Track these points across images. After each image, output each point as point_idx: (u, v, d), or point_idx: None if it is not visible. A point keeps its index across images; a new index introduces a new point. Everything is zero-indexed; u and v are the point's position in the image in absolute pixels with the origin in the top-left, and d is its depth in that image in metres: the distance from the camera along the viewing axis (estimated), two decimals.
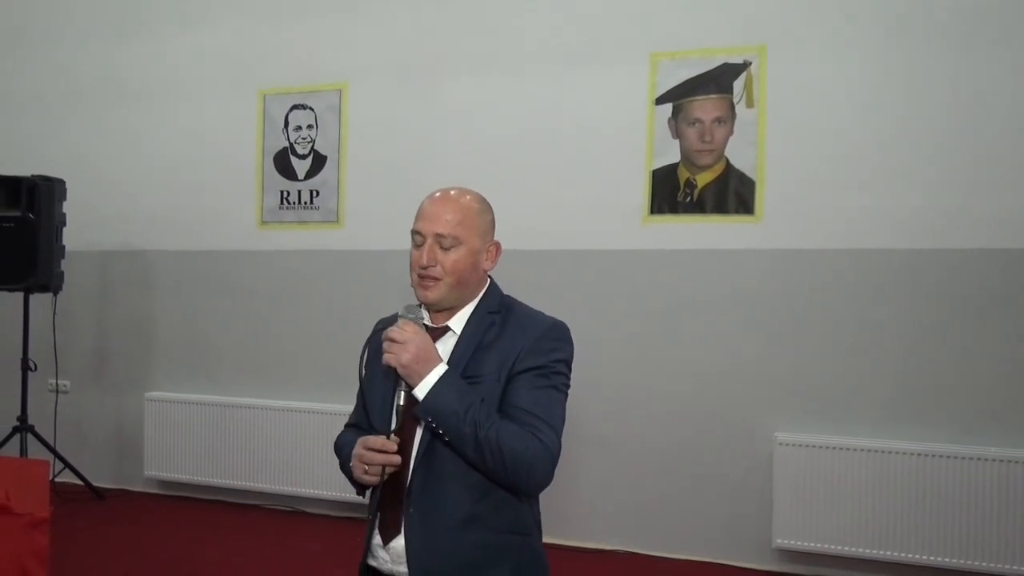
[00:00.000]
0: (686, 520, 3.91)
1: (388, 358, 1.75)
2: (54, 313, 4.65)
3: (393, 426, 1.77)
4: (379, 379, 1.86)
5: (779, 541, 3.68)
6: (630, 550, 3.98)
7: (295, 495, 4.48)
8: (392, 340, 1.75)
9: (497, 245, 1.91)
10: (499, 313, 1.87)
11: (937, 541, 3.45)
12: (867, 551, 3.55)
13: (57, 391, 4.85)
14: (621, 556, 3.96)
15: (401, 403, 1.76)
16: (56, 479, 4.60)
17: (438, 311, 1.87)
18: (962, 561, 3.42)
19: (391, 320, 1.91)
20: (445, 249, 1.81)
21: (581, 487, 4.06)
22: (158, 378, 4.93)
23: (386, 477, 1.77)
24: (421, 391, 1.72)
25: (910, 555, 3.49)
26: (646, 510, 3.97)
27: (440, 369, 1.74)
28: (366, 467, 1.78)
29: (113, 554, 3.87)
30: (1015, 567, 3.36)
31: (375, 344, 1.88)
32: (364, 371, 1.90)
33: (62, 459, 4.67)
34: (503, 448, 1.69)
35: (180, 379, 4.87)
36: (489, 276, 1.93)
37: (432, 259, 1.80)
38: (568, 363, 1.87)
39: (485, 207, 1.91)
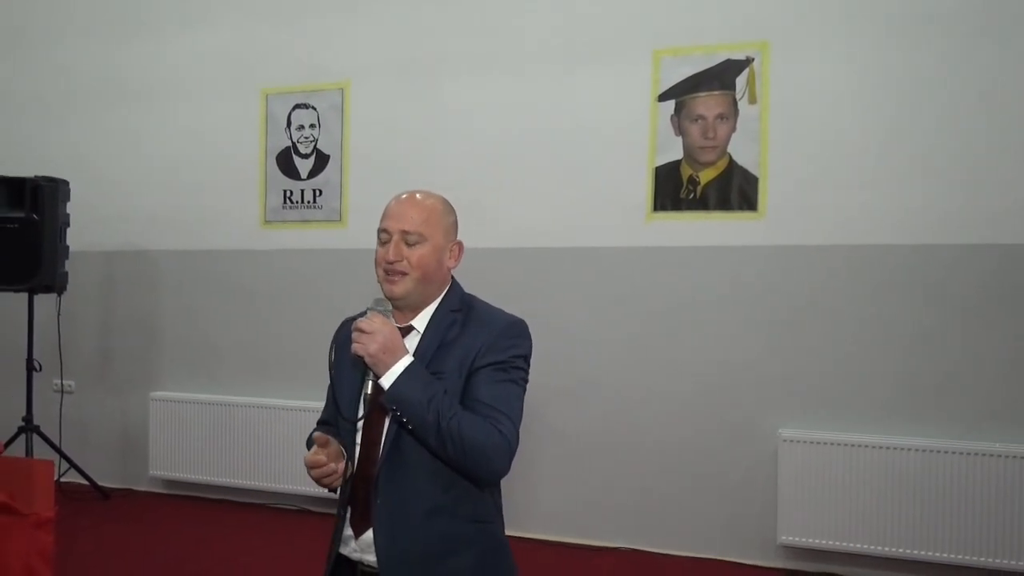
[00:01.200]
0: (691, 517, 3.91)
1: (356, 348, 1.81)
2: (58, 313, 4.65)
3: (360, 414, 1.87)
4: (348, 369, 1.92)
5: (784, 538, 3.68)
6: (635, 547, 3.98)
7: (300, 494, 4.48)
8: (361, 331, 1.81)
9: (460, 244, 1.97)
10: (460, 311, 1.93)
11: (942, 537, 3.45)
12: (872, 547, 3.55)
13: (62, 391, 4.86)
14: (626, 553, 3.96)
15: (369, 392, 1.83)
16: (61, 479, 4.62)
17: (402, 309, 1.93)
18: (967, 557, 3.42)
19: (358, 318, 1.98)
20: (411, 245, 1.87)
21: (586, 484, 4.07)
22: (162, 378, 4.94)
23: (338, 484, 1.88)
24: (387, 380, 1.79)
25: (915, 551, 3.49)
26: (651, 507, 3.97)
27: (406, 360, 1.80)
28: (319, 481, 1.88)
29: (118, 553, 3.88)
30: (1020, 563, 3.36)
31: (343, 338, 1.96)
32: (333, 365, 1.98)
33: (67, 459, 4.69)
34: (464, 438, 1.75)
35: (184, 379, 4.88)
36: (451, 276, 1.99)
37: (398, 254, 1.87)
38: (526, 358, 1.94)
39: (448, 209, 1.97)
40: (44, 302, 4.67)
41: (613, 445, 4.03)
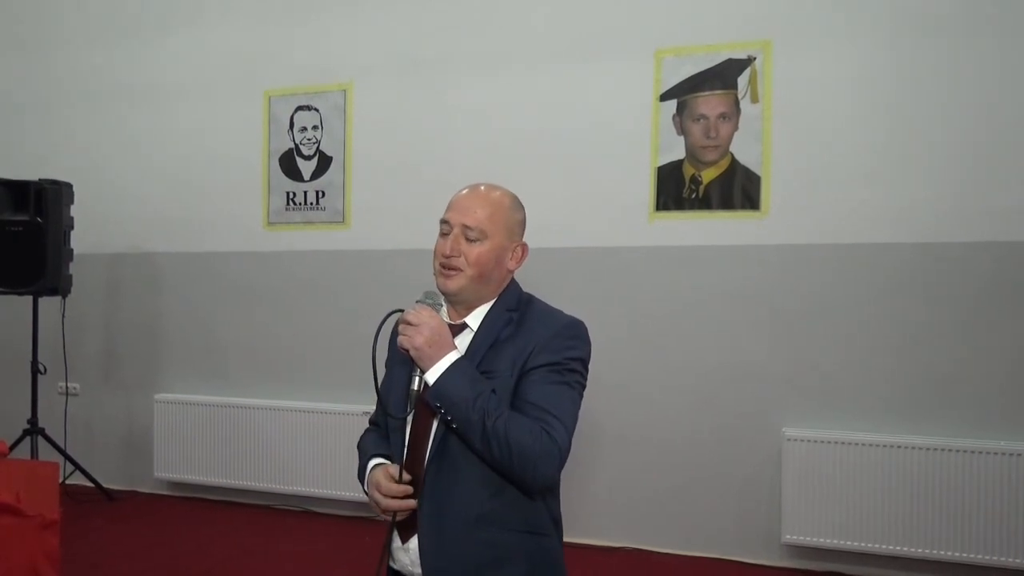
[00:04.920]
0: (694, 516, 3.91)
1: (402, 340, 1.74)
2: (63, 316, 4.67)
3: (407, 410, 1.77)
4: (399, 365, 1.85)
5: (788, 537, 3.67)
6: (638, 547, 3.98)
7: (304, 495, 4.49)
8: (408, 323, 1.75)
9: (524, 247, 1.91)
10: (517, 311, 1.86)
11: (946, 535, 3.45)
12: (876, 546, 3.54)
13: (67, 393, 4.87)
14: (629, 553, 3.96)
15: (415, 388, 1.74)
16: (66, 481, 4.63)
17: (456, 306, 1.87)
18: (971, 555, 3.42)
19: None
20: (470, 241, 1.81)
21: (589, 484, 4.06)
22: (167, 380, 4.95)
23: (399, 519, 1.76)
24: (432, 375, 1.71)
25: (919, 549, 3.48)
26: (655, 507, 3.97)
27: (453, 355, 1.73)
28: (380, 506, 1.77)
29: (123, 555, 3.89)
30: None
31: (395, 333, 1.87)
32: (386, 362, 1.88)
33: (72, 461, 4.70)
34: (510, 439, 1.66)
35: (189, 380, 4.89)
36: (512, 276, 1.92)
37: (456, 249, 1.80)
38: (584, 362, 1.85)
39: (517, 206, 1.91)
40: (48, 305, 4.68)
41: (616, 444, 4.03)
